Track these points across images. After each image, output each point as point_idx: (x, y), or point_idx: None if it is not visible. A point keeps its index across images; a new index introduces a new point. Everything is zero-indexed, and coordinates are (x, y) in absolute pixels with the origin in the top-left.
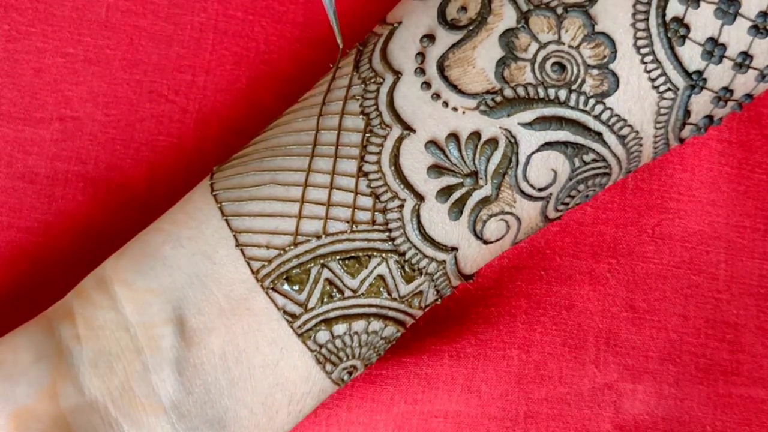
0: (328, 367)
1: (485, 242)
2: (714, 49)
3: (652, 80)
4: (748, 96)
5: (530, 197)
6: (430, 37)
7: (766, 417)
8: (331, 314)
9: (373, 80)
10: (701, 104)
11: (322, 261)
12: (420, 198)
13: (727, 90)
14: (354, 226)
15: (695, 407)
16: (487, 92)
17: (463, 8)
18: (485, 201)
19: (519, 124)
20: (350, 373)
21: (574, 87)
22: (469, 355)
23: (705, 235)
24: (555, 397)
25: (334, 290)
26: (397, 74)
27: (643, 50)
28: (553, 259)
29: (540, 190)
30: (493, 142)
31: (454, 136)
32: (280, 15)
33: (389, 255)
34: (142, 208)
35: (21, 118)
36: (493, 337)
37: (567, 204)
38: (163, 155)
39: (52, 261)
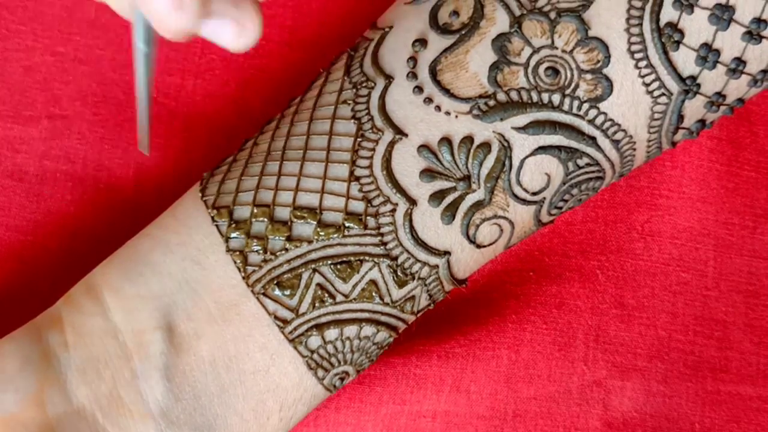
0: (320, 372)
1: (478, 246)
2: (708, 54)
3: (647, 85)
4: (740, 100)
5: (524, 201)
6: (422, 42)
7: (753, 414)
8: (323, 319)
9: (364, 84)
10: (694, 109)
11: (313, 266)
12: (412, 202)
13: (720, 95)
14: (345, 230)
15: (683, 404)
16: (480, 96)
17: (455, 13)
18: (478, 205)
19: (512, 128)
20: (342, 379)
21: (567, 91)
22: (458, 355)
23: (694, 232)
24: (544, 396)
25: (326, 295)
26: (389, 78)
27: (637, 55)
28: (543, 260)
29: (533, 194)
30: (486, 146)
31: (446, 140)
32: (269, 19)
33: (381, 259)
34: (129, 208)
35: (10, 116)
36: (482, 337)
37: (560, 208)
38: (151, 156)
39: (40, 259)
